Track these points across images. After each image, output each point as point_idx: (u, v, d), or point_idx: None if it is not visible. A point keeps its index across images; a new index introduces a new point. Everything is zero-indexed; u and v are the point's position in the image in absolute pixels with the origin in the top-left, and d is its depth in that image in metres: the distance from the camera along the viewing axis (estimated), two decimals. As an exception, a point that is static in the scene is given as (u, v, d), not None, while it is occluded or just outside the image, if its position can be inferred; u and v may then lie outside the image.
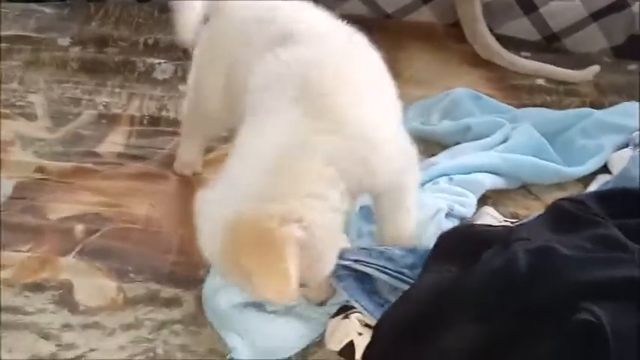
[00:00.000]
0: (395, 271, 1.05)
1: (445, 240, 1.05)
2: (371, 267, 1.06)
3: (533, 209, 1.31)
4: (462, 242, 1.01)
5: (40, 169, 1.35)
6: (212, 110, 1.26)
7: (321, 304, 1.08)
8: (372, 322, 1.02)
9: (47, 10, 1.85)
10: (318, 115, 0.95)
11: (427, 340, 0.94)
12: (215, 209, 0.93)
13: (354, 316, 1.03)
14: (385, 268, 1.06)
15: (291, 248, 0.87)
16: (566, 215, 1.03)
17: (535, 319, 0.90)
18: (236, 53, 1.14)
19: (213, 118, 1.28)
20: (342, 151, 0.95)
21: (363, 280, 1.07)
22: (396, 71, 1.67)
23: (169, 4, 1.83)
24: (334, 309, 1.08)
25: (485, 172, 1.32)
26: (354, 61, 1.06)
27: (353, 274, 1.06)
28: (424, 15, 1.86)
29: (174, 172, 1.38)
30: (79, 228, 1.22)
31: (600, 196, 1.07)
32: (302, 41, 1.04)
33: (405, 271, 1.05)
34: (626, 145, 1.40)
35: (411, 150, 1.10)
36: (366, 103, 1.00)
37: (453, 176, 1.30)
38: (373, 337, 1.00)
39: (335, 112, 0.96)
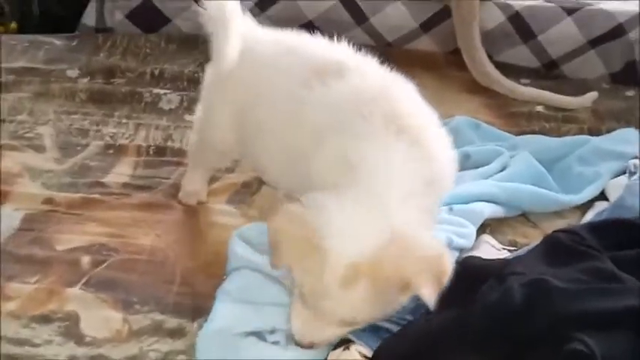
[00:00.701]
0: (399, 318, 1.07)
1: None
2: None
3: (531, 237, 1.33)
4: (459, 279, 1.02)
5: (48, 201, 1.38)
6: (220, 143, 1.29)
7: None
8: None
9: (56, 41, 1.89)
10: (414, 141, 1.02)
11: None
12: (358, 222, 0.96)
13: (354, 347, 1.05)
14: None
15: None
16: (561, 248, 1.05)
17: (530, 350, 0.92)
18: (259, 88, 1.17)
19: (221, 151, 1.31)
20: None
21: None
22: (397, 99, 1.72)
23: (175, 34, 1.90)
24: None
25: (485, 201, 1.34)
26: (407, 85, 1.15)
27: None
28: (424, 43, 1.89)
29: (179, 202, 1.40)
30: (86, 259, 1.24)
31: (595, 227, 1.09)
32: (348, 73, 1.09)
33: (407, 316, 1.07)
34: (624, 172, 1.42)
35: None
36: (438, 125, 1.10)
37: (453, 206, 1.31)
38: None
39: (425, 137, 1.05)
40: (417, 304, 1.05)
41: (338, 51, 1.16)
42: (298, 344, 1.03)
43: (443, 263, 0.96)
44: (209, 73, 1.31)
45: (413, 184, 1.00)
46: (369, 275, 0.93)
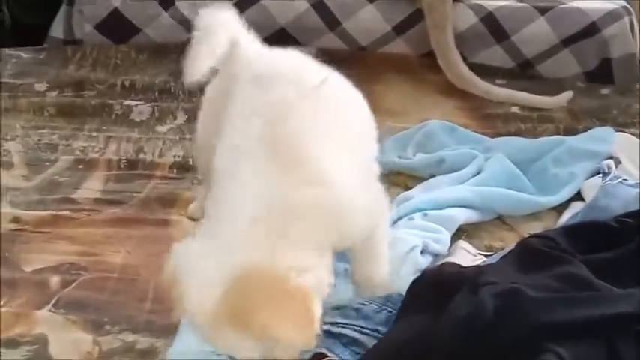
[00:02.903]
0: (371, 329, 1.06)
1: (415, 288, 1.05)
2: (347, 327, 1.06)
3: (507, 240, 1.31)
4: (431, 289, 1.01)
5: (16, 220, 1.35)
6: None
7: None
8: (347, 369, 1.02)
9: (24, 54, 1.86)
10: (290, 164, 0.94)
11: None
12: (204, 263, 0.89)
13: (328, 363, 1.03)
14: (361, 327, 1.06)
15: (312, 297, 0.87)
16: (534, 253, 1.04)
17: (502, 362, 0.91)
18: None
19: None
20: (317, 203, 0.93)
21: (340, 335, 1.07)
22: (372, 103, 1.70)
23: (148, 45, 1.87)
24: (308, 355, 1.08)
25: (459, 206, 1.33)
26: (326, 102, 1.04)
27: (329, 333, 1.05)
28: (399, 46, 1.88)
29: (188, 217, 1.38)
30: (55, 279, 1.22)
31: (568, 230, 1.07)
32: (273, 83, 1.03)
33: (380, 328, 1.05)
34: (599, 172, 1.41)
35: (381, 203, 1.07)
36: (330, 151, 0.97)
37: (427, 212, 1.30)
38: None
39: (303, 161, 0.94)
40: (388, 317, 1.04)
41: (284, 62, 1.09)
42: None
43: (303, 302, 0.87)
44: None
45: (270, 209, 0.91)
46: (225, 321, 0.87)
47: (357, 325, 1.06)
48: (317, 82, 1.05)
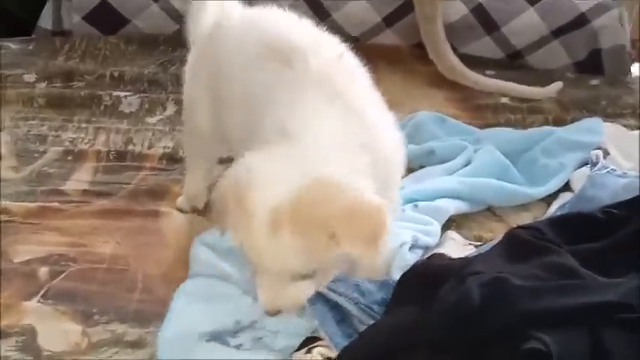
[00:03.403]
0: (365, 305, 1.07)
1: (405, 281, 1.06)
2: (342, 297, 1.08)
3: (497, 231, 1.31)
4: (420, 281, 1.02)
5: (5, 211, 1.34)
6: (202, 126, 1.27)
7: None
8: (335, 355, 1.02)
9: (12, 45, 1.85)
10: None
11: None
12: (280, 167, 0.94)
13: (316, 351, 1.03)
14: (356, 300, 1.08)
15: (386, 212, 0.92)
16: (520, 243, 1.05)
17: (489, 350, 0.92)
18: (224, 64, 1.17)
19: (204, 136, 1.28)
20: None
21: (335, 308, 1.08)
22: (363, 94, 1.71)
23: (136, 35, 1.86)
24: (299, 340, 1.08)
25: (449, 197, 1.33)
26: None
27: (324, 299, 1.07)
28: (389, 37, 1.88)
29: (177, 209, 1.37)
30: (44, 270, 1.21)
31: (555, 222, 1.08)
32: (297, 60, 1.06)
33: (375, 307, 1.06)
34: (587, 163, 1.42)
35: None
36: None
37: (418, 203, 1.30)
38: None
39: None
40: (384, 298, 1.05)
41: (296, 35, 1.12)
42: (268, 314, 1.00)
43: (379, 216, 0.93)
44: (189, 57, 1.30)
45: (345, 144, 0.98)
46: (290, 219, 0.91)
47: (352, 298, 1.07)
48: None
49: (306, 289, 1.00)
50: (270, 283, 0.98)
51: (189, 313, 1.09)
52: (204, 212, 1.35)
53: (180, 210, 1.37)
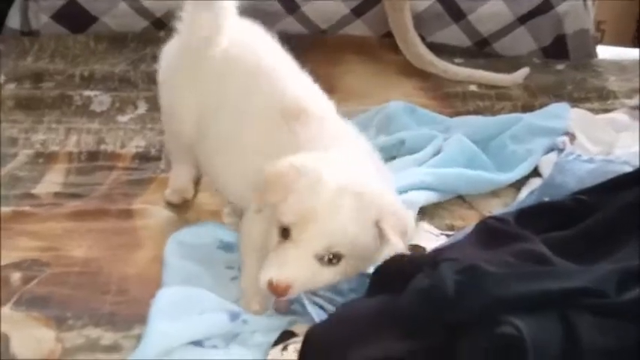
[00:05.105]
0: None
1: (379, 272, 1.07)
2: (320, 297, 1.10)
3: (468, 219, 1.33)
4: (394, 271, 1.03)
5: (-24, 217, 1.32)
6: (185, 136, 1.28)
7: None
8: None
9: (-21, 47, 1.84)
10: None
11: (354, 355, 0.95)
12: None
13: (292, 348, 1.04)
14: (333, 301, 1.09)
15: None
16: (492, 232, 1.06)
17: (462, 335, 0.93)
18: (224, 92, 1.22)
19: (188, 140, 1.29)
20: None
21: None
22: (333, 86, 1.72)
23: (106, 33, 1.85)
24: (275, 335, 1.09)
25: (419, 188, 1.34)
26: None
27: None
28: (358, 28, 1.89)
29: (166, 202, 1.38)
30: (16, 276, 1.19)
31: (526, 211, 1.10)
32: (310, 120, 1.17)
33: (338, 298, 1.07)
34: (555, 149, 1.44)
35: None
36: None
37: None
38: (301, 351, 1.01)
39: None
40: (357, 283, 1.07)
41: (303, 94, 1.19)
42: (274, 289, 1.01)
43: (409, 222, 1.08)
44: (172, 58, 1.30)
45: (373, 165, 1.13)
46: (352, 198, 1.02)
47: (329, 298, 1.08)
48: None
49: (325, 274, 1.04)
50: (287, 257, 1.02)
51: (165, 333, 1.05)
52: (184, 209, 1.36)
53: (169, 203, 1.37)
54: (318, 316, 1.07)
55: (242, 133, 1.19)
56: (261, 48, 1.25)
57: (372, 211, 1.03)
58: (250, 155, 1.16)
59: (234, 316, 1.06)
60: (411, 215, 1.10)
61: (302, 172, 1.03)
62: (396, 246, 1.03)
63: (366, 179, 1.06)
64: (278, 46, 1.28)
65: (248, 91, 1.20)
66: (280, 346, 1.07)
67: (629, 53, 1.92)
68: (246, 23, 1.29)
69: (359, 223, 1.02)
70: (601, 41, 1.97)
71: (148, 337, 1.02)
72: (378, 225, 1.03)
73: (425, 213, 1.35)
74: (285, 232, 1.03)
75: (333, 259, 1.03)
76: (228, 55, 1.23)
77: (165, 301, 1.08)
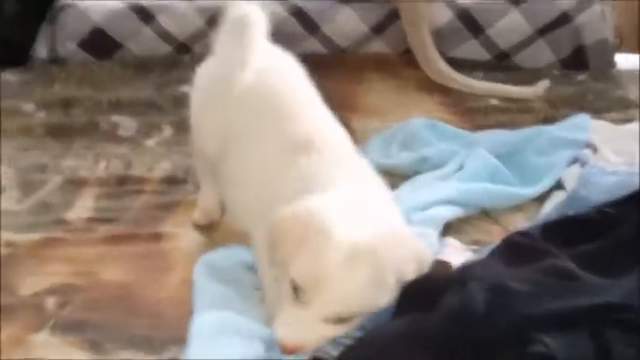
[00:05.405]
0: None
1: (408, 290, 1.07)
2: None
3: (493, 234, 1.33)
4: (423, 290, 1.03)
5: (9, 243, 1.34)
6: (211, 151, 1.30)
7: None
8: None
9: (9, 76, 1.88)
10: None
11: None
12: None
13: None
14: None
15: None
16: (517, 249, 1.06)
17: (492, 355, 0.93)
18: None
19: (214, 159, 1.31)
20: None
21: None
22: (354, 104, 1.75)
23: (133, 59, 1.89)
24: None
25: (444, 204, 1.35)
26: None
27: None
28: (378, 46, 1.91)
29: (194, 224, 1.39)
30: (51, 301, 1.21)
31: (552, 225, 1.10)
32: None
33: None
34: (577, 161, 1.44)
35: None
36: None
37: (411, 216, 1.30)
38: None
39: None
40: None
41: (314, 128, 1.18)
42: (283, 349, 1.00)
43: (426, 258, 1.05)
44: (203, 78, 1.33)
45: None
46: (367, 258, 0.97)
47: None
48: None
49: (338, 330, 1.00)
50: (299, 317, 0.99)
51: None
52: (212, 231, 1.38)
53: (198, 225, 1.39)
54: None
55: (253, 163, 1.20)
56: (284, 79, 1.27)
57: (390, 270, 0.99)
58: (256, 186, 1.17)
59: (270, 346, 1.06)
60: (423, 245, 1.08)
61: (310, 222, 0.99)
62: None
63: (380, 222, 1.02)
64: (302, 77, 1.29)
65: (264, 122, 1.21)
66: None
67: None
68: (276, 51, 1.32)
69: (376, 284, 0.98)
70: (620, 48, 1.97)
71: None
72: (399, 280, 1.00)
73: (450, 228, 1.35)
74: (297, 289, 0.99)
75: (348, 318, 1.00)
76: (252, 84, 1.25)
77: (202, 327, 1.09)
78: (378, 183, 1.14)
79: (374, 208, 1.05)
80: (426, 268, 1.04)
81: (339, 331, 1.00)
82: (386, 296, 1.00)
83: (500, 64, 1.87)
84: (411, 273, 1.00)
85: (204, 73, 1.34)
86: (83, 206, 1.47)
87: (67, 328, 1.16)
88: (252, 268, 1.26)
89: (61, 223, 1.42)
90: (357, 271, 0.96)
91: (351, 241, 0.97)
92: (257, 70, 1.26)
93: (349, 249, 0.96)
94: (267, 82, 1.25)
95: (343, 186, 1.07)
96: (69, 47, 1.93)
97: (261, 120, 1.22)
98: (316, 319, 0.99)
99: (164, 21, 1.90)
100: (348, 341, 1.04)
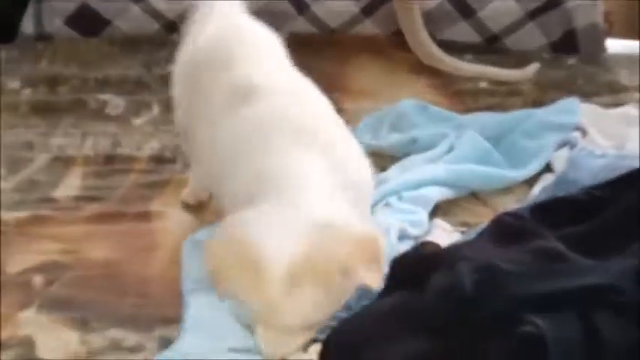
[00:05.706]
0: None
1: (396, 268, 1.07)
2: None
3: (482, 216, 1.33)
4: (411, 268, 1.03)
5: (-4, 221, 1.34)
6: (180, 123, 1.30)
7: None
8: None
9: (-5, 53, 1.86)
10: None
11: (374, 355, 0.96)
12: (277, 223, 0.98)
13: (312, 349, 1.04)
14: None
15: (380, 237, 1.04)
16: (507, 229, 1.07)
17: (481, 335, 0.94)
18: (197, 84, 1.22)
19: (183, 130, 1.31)
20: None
21: None
22: (344, 85, 1.74)
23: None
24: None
25: (434, 185, 1.35)
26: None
27: None
28: (367, 27, 1.90)
29: (183, 203, 1.39)
30: (38, 279, 1.21)
31: (540, 206, 1.10)
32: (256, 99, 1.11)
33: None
34: (566, 144, 1.44)
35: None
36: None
37: (402, 193, 1.32)
38: (322, 352, 1.01)
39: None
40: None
41: (259, 71, 1.16)
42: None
43: (376, 244, 0.99)
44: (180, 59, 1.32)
45: (331, 187, 1.03)
46: (308, 273, 0.94)
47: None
48: None
49: (310, 334, 1.01)
50: (273, 335, 0.98)
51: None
52: (200, 210, 1.37)
53: (186, 204, 1.38)
54: None
55: (205, 123, 1.19)
56: (234, 36, 1.25)
57: (332, 269, 0.95)
58: (212, 151, 1.15)
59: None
60: (381, 237, 1.03)
61: (244, 250, 0.95)
62: (375, 281, 0.98)
63: (314, 230, 0.96)
64: (259, 33, 1.27)
65: (212, 80, 1.19)
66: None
67: (640, 46, 1.92)
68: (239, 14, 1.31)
69: (326, 293, 0.96)
70: (610, 33, 1.98)
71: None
72: (347, 278, 0.96)
73: (439, 210, 1.36)
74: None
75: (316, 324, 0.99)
76: (202, 46, 1.25)
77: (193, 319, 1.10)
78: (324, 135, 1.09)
79: (307, 203, 1.00)
80: (379, 256, 0.99)
81: (314, 329, 1.00)
82: (343, 295, 0.99)
83: (491, 46, 1.87)
84: (358, 266, 0.96)
85: (182, 51, 1.33)
86: (71, 184, 1.46)
87: (55, 306, 1.16)
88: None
89: (49, 201, 1.41)
90: (301, 289, 0.94)
91: (284, 261, 0.94)
92: (210, 34, 1.25)
93: (284, 270, 0.94)
94: (217, 42, 1.24)
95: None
96: (55, 23, 1.91)
97: (210, 80, 1.19)
98: (289, 333, 0.98)
99: (152, -2, 1.88)
100: (333, 323, 1.05)
